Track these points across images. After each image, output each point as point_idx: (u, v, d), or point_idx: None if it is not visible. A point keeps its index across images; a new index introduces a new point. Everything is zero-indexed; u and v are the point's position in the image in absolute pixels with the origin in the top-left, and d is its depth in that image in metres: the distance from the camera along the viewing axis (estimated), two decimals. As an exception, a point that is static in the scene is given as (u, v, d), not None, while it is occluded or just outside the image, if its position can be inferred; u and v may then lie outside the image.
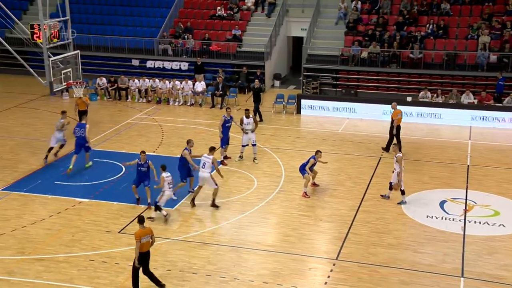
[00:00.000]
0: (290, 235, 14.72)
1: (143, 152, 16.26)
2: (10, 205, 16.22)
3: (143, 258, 12.00)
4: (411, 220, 15.62)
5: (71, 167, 18.09)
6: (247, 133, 19.36)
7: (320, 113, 25.02)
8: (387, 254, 13.87)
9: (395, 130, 20.41)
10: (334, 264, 13.43)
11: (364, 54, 27.80)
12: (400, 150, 18.13)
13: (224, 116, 19.39)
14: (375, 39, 28.08)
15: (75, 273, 12.89)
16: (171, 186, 15.51)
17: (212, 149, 16.15)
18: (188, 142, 16.76)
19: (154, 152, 20.34)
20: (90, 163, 18.95)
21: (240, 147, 19.61)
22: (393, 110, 20.73)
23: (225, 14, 31.27)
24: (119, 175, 18.30)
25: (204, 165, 15.90)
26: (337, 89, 28.03)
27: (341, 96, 26.65)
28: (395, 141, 20.03)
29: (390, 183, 16.62)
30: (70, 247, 13.99)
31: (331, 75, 28.29)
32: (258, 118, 23.85)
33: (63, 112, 19.61)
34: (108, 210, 15.86)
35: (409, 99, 25.47)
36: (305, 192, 16.88)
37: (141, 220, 12.10)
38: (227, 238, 14.54)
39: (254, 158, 19.36)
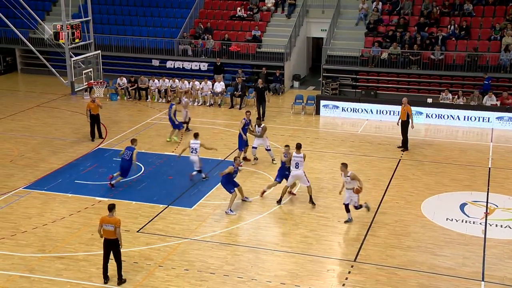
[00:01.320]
0: (308, 236, 14.68)
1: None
2: (31, 203, 16.44)
3: (104, 245, 12.41)
4: (430, 222, 15.47)
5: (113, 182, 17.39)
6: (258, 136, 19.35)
7: (339, 114, 24.94)
8: (405, 256, 13.77)
9: (402, 127, 20.51)
10: (352, 266, 13.36)
11: (384, 55, 27.63)
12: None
13: (244, 119, 19.43)
14: (396, 40, 27.89)
15: (94, 271, 13.02)
16: (195, 152, 17.57)
17: (299, 147, 16.30)
18: (133, 141, 17.49)
19: (173, 152, 20.45)
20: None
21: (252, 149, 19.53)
22: (403, 105, 20.50)
23: (245, 15, 31.32)
24: (138, 174, 18.43)
25: (297, 165, 16.09)
26: (357, 90, 27.91)
27: (361, 97, 26.51)
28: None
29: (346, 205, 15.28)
30: (89, 245, 14.12)
31: (350, 76, 28.17)
32: (261, 118, 23.96)
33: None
34: (126, 210, 15.98)
35: (429, 100, 25.27)
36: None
37: (110, 207, 12.37)
38: (244, 239, 14.55)
39: (273, 159, 19.33)
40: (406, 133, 20.70)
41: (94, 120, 21.50)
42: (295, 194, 16.99)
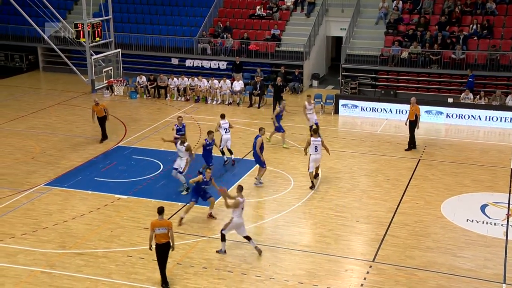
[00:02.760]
0: (326, 236, 14.64)
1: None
2: (52, 200, 16.63)
3: (157, 250, 12.23)
4: (451, 223, 15.33)
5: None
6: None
7: (358, 114, 24.82)
8: (425, 257, 13.66)
9: (410, 127, 20.51)
10: (370, 266, 13.29)
11: (405, 54, 27.41)
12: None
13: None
14: (416, 39, 27.65)
15: (114, 268, 13.13)
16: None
17: (316, 131, 17.17)
18: (261, 130, 17.69)
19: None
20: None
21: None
22: (412, 105, 20.48)
23: (264, 14, 31.30)
24: (157, 172, 18.54)
25: (316, 148, 16.78)
26: (376, 89, 27.72)
27: (380, 96, 26.34)
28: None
29: None
30: (109, 242, 14.24)
31: (370, 76, 28.01)
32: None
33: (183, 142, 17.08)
34: (146, 207, 16.09)
35: (450, 100, 25.01)
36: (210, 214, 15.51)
37: (160, 210, 12.23)
38: (263, 237, 14.56)
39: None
40: (413, 132, 20.57)
41: (101, 122, 21.04)
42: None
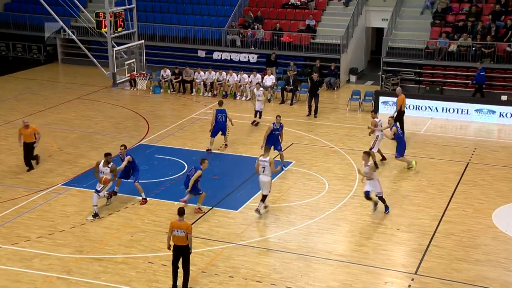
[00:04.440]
0: (364, 245, 14.51)
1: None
2: (69, 201, 16.86)
3: (173, 251, 12.41)
4: (503, 234, 15.03)
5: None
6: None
7: (401, 112, 24.63)
8: (474, 271, 13.41)
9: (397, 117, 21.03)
10: (412, 279, 13.12)
11: (453, 47, 27.01)
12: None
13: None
14: (466, 30, 27.22)
15: (134, 275, 13.23)
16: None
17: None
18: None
19: (218, 150, 20.58)
20: None
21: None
22: (398, 96, 21.47)
23: (298, 3, 31.21)
24: (181, 173, 18.62)
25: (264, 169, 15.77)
26: (420, 85, 27.44)
27: (425, 93, 26.06)
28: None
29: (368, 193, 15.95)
30: (129, 247, 14.36)
31: (413, 70, 27.71)
32: (313, 114, 24.20)
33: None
34: (169, 210, 16.18)
35: (504, 98, 24.59)
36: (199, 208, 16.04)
37: (181, 212, 12.35)
38: (294, 245, 14.50)
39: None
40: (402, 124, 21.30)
41: (27, 149, 18.64)
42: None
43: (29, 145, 18.68)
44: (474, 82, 25.37)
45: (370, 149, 18.91)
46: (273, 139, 18.55)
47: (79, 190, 17.54)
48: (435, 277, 13.17)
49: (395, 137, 18.75)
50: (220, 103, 20.85)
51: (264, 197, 15.84)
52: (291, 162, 19.42)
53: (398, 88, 22.53)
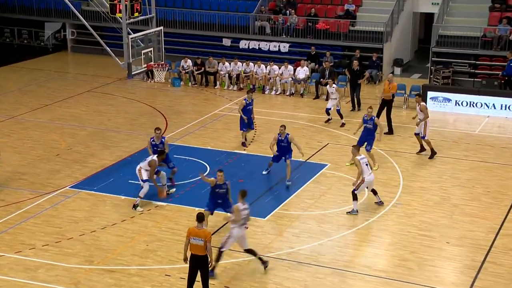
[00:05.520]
0: (408, 260, 14.44)
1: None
2: (78, 206, 17.09)
3: (189, 261, 12.43)
4: None
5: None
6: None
7: (452, 109, 24.50)
8: (534, 291, 13.26)
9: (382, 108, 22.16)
10: (463, 300, 13.04)
11: (514, 35, 26.77)
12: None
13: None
14: (531, 15, 26.91)
15: (148, 288, 13.37)
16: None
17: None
18: None
19: (244, 150, 20.65)
20: None
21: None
22: (389, 82, 22.25)
23: (336, -15, 31.18)
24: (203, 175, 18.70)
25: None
26: (475, 79, 27.21)
27: (481, 88, 25.78)
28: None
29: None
30: (144, 258, 14.50)
31: (468, 62, 27.50)
32: (356, 108, 24.60)
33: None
34: (189, 217, 16.28)
35: None
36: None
37: (200, 217, 12.34)
38: (328, 259, 14.50)
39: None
40: (389, 114, 22.19)
41: None
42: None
43: None
44: (505, 73, 25.32)
45: (423, 137, 19.74)
46: (282, 150, 18.26)
47: (90, 193, 17.76)
48: (490, 298, 13.08)
49: (371, 129, 19.17)
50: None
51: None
52: (326, 165, 19.41)
53: (390, 75, 23.52)
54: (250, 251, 13.84)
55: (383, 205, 16.74)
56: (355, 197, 16.31)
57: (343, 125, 22.73)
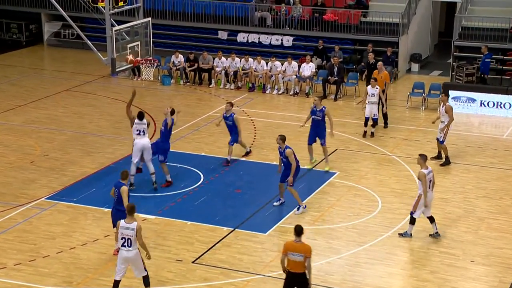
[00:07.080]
0: (428, 280, 14.46)
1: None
2: (56, 219, 17.07)
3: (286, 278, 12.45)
4: None
5: None
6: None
7: (476, 111, 24.57)
8: None
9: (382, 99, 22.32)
10: (489, 326, 13.05)
11: (547, 27, 26.85)
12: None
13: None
14: None
15: (135, 313, 13.38)
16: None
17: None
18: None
19: (242, 156, 20.66)
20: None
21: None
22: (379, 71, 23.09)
23: (346, -29, 31.27)
24: (196, 185, 18.75)
25: None
26: (503, 77, 27.29)
27: (509, 87, 25.81)
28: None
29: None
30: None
31: (495, 57, 27.51)
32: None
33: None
34: (179, 232, 16.30)
35: None
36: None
37: (298, 231, 12.25)
38: (338, 279, 14.50)
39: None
40: (382, 106, 22.52)
41: None
42: None
43: None
44: (481, 72, 25.99)
45: (441, 142, 19.82)
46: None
47: (68, 205, 17.75)
48: (519, 323, 13.09)
49: (320, 121, 19.48)
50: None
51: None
52: (335, 173, 19.43)
53: (380, 63, 23.92)
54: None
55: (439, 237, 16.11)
56: (412, 221, 15.87)
57: (370, 134, 22.26)
